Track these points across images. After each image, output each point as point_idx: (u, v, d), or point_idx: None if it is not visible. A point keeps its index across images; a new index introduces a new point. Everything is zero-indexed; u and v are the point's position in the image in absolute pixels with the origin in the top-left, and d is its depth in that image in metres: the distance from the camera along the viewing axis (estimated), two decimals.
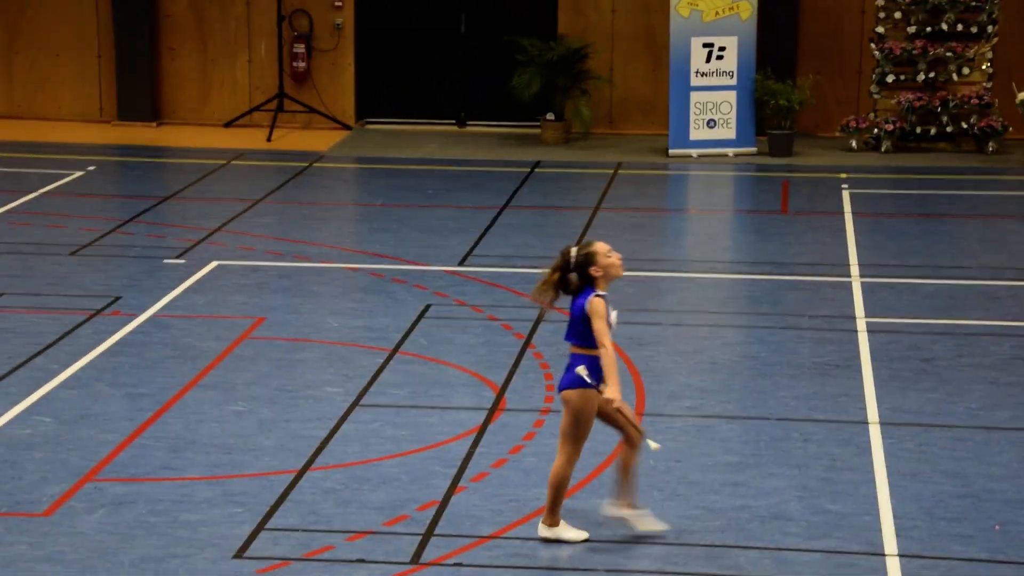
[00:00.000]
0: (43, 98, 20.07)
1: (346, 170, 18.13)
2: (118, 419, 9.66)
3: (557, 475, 7.89)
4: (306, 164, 17.86)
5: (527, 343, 11.27)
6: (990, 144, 18.12)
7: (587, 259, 7.83)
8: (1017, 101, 17.49)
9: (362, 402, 10.05)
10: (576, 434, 7.86)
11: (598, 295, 7.78)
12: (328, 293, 12.81)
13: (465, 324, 11.78)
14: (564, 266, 7.85)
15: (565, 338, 7.96)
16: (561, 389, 7.90)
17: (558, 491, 7.91)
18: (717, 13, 18.14)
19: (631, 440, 7.93)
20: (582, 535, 7.95)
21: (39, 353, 10.85)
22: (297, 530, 8.09)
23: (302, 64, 19.73)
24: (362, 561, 7.72)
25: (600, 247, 7.86)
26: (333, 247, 14.16)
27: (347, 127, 19.78)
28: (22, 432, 9.40)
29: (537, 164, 17.87)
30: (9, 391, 10.09)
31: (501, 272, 13.26)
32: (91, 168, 17.37)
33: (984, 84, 18.16)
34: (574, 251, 7.87)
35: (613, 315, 7.82)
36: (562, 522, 7.96)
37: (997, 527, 8.17)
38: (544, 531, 7.96)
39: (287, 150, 18.63)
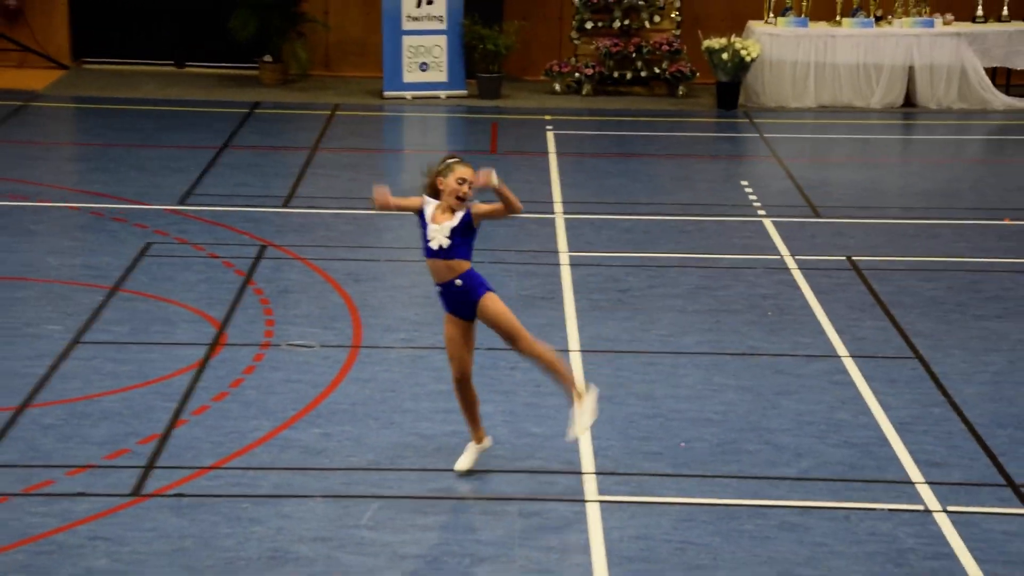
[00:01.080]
0: None
1: (63, 109, 17.54)
2: None
3: (544, 357, 7.78)
4: (21, 103, 17.20)
5: (247, 280, 11.17)
6: (680, 88, 18.68)
7: (438, 172, 7.80)
8: (702, 48, 18.06)
9: (82, 339, 9.81)
10: (512, 319, 7.74)
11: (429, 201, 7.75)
12: (46, 232, 12.42)
13: (187, 262, 11.60)
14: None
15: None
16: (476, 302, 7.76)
17: (555, 367, 7.79)
18: None
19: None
20: (593, 396, 7.77)
21: None
22: (16, 466, 7.87)
23: (13, 1, 18.93)
24: (82, 495, 7.58)
25: (459, 170, 7.77)
26: (51, 186, 13.72)
27: (64, 67, 19.11)
28: None
29: (256, 105, 17.62)
30: None
31: (222, 211, 13.07)
32: None
33: (674, 32, 18.70)
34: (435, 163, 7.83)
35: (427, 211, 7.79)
36: (583, 392, 7.78)
37: (682, 444, 8.52)
38: (582, 416, 7.73)
39: (1, 88, 17.89)
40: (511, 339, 7.84)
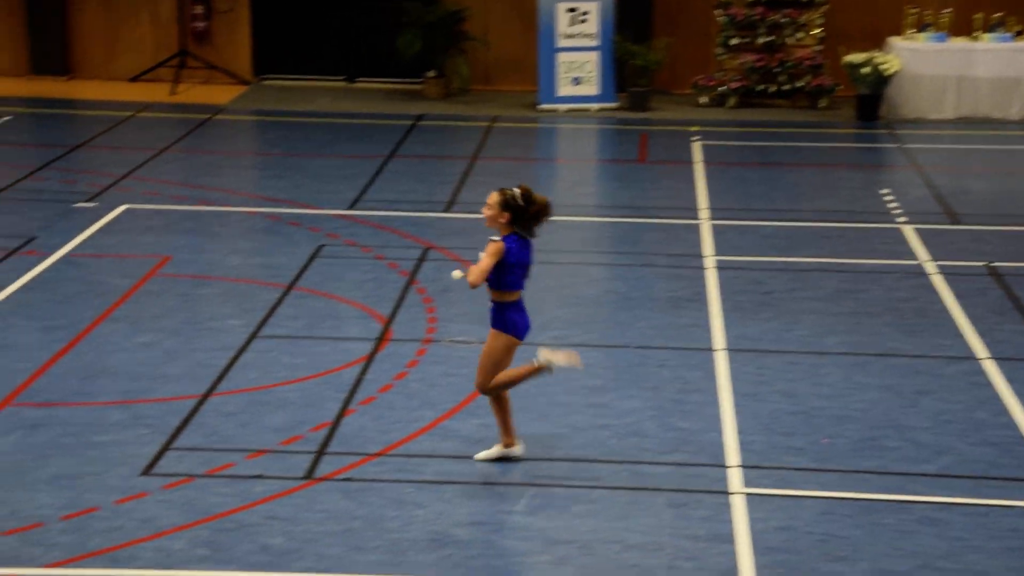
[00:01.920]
0: None
1: (244, 122, 17.85)
2: (33, 349, 9.46)
3: (494, 402, 7.83)
4: (207, 116, 17.56)
5: (411, 280, 11.23)
6: (821, 101, 18.35)
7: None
8: (843, 63, 17.71)
9: (260, 333, 9.95)
10: (486, 362, 7.72)
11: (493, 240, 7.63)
12: (228, 234, 12.63)
13: (355, 263, 11.70)
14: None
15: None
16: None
17: (499, 412, 7.82)
18: None
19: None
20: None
21: None
22: (200, 449, 8.01)
23: (201, 24, 19.35)
24: (260, 477, 7.67)
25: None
26: (233, 192, 13.96)
27: (245, 82, 19.46)
28: None
29: (420, 117, 17.74)
30: None
31: (388, 215, 13.17)
32: (7, 118, 16.90)
33: (815, 47, 18.39)
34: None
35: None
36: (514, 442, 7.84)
37: (824, 440, 8.33)
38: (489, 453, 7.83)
39: (190, 103, 18.28)
40: (477, 370, 7.71)
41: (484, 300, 10.71)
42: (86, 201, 13.24)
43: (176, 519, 7.12)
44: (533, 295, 10.96)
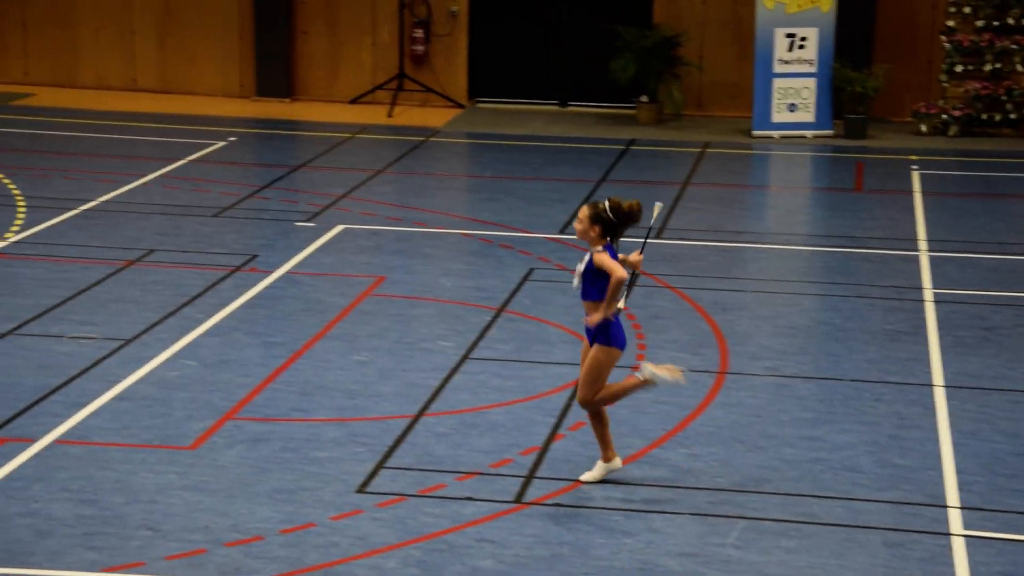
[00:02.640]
0: (192, 74, 20.27)
1: (458, 144, 18.13)
2: (254, 365, 9.75)
3: (594, 419, 7.92)
4: (423, 139, 17.88)
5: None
6: None
7: None
8: None
9: (471, 355, 10.06)
10: (591, 374, 7.78)
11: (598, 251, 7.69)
12: (441, 256, 12.83)
13: (565, 287, 11.73)
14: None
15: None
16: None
17: (599, 430, 7.91)
18: (799, 5, 17.86)
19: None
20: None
21: (186, 304, 10.99)
22: (412, 469, 8.12)
23: (420, 47, 19.74)
24: (470, 499, 7.74)
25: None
26: (446, 214, 14.17)
27: (460, 105, 19.77)
28: (171, 374, 9.53)
29: (632, 142, 17.73)
30: (160, 337, 10.23)
31: None
32: (232, 139, 17.52)
33: None
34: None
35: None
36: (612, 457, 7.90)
37: None
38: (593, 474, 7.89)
39: (406, 125, 18.66)
40: (579, 385, 7.75)
41: (692, 329, 10.67)
42: (305, 220, 13.61)
43: (389, 538, 7.23)
44: (746, 324, 10.84)
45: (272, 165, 16.23)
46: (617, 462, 7.96)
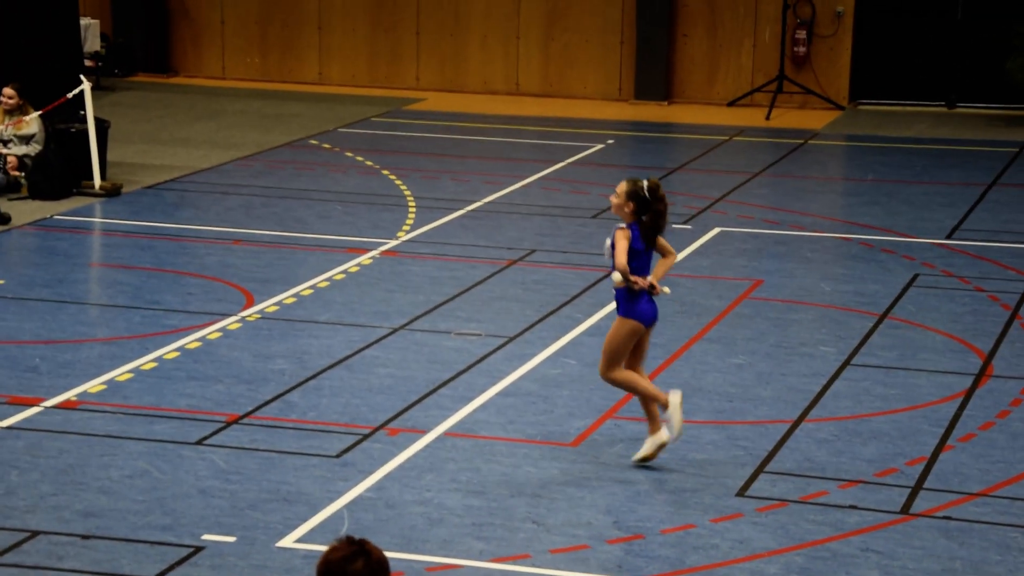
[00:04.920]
0: (572, 78, 20.69)
1: (838, 147, 17.76)
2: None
3: (625, 385, 8.07)
4: (801, 141, 17.61)
5: (1014, 314, 10.70)
6: None
7: None
8: None
9: (853, 361, 9.83)
10: (612, 346, 7.95)
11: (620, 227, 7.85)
12: (820, 259, 12.59)
13: (952, 294, 11.32)
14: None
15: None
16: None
17: (637, 390, 8.00)
18: None
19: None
20: (677, 398, 7.84)
21: (566, 303, 11.21)
22: (793, 474, 8.00)
23: (802, 49, 19.47)
24: (854, 507, 7.56)
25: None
26: (825, 218, 13.91)
27: (840, 107, 19.37)
28: (552, 372, 9.73)
29: None
30: (541, 335, 10.47)
31: (988, 246, 12.64)
32: (610, 141, 17.76)
33: None
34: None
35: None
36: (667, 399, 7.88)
37: None
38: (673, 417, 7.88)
39: (784, 128, 18.43)
40: (602, 359, 7.94)
41: None
42: (682, 223, 13.64)
43: (769, 543, 7.15)
44: None
45: (649, 167, 16.35)
46: (663, 434, 7.93)
